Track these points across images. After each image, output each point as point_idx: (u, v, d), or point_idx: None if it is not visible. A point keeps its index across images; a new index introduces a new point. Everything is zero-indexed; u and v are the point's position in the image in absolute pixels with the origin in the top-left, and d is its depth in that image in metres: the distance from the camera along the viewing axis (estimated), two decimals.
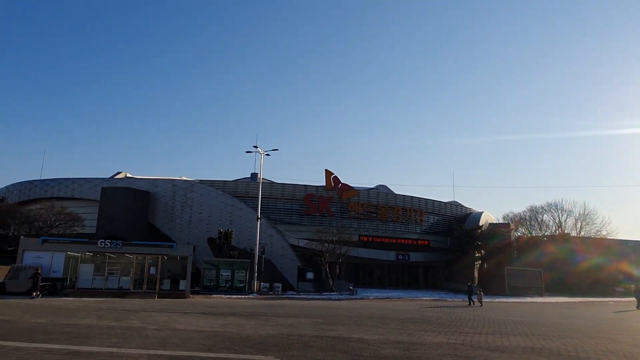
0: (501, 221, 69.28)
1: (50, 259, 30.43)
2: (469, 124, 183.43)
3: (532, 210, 68.76)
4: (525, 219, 68.84)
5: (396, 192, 63.64)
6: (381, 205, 59.07)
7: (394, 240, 58.10)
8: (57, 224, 45.05)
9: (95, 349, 9.52)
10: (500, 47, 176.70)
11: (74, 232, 46.47)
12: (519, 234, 67.16)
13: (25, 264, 29.61)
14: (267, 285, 40.26)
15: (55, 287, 28.50)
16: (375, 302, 34.25)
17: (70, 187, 56.05)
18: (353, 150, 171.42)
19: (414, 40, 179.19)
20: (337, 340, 11.87)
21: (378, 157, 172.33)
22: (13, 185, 62.54)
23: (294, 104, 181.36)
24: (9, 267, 29.47)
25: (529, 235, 66.43)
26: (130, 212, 49.35)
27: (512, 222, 67.32)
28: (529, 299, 42.72)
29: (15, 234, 43.70)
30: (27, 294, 26.46)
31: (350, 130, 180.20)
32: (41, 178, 60.19)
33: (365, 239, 55.90)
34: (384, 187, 66.88)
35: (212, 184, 54.97)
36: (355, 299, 37.53)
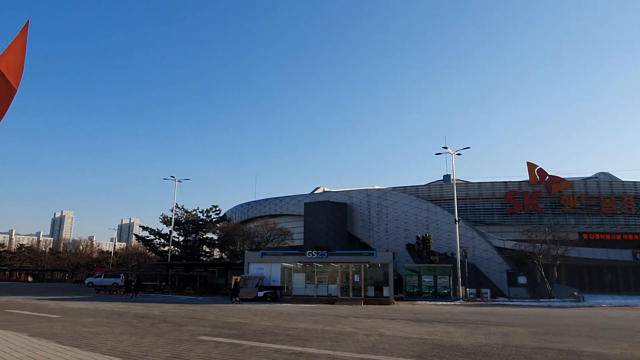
0: None
1: (269, 270, 35.08)
2: None
3: None
4: None
5: (623, 179, 53.51)
6: (605, 196, 50.53)
7: (629, 237, 48.71)
8: (271, 238, 51.77)
9: (314, 350, 10.42)
10: None
11: (286, 245, 52.67)
12: None
13: (251, 274, 34.81)
14: (474, 291, 38.24)
15: (275, 294, 32.62)
16: (609, 310, 29.13)
17: (279, 205, 63.91)
18: (558, 140, 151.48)
19: None
20: (565, 354, 10.38)
21: (593, 143, 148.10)
22: (235, 207, 74.70)
23: (480, 100, 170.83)
24: (239, 277, 35.02)
25: None
26: (331, 224, 53.41)
27: None
28: None
29: (241, 248, 51.84)
30: (254, 299, 31.03)
31: (553, 118, 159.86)
32: (255, 199, 70.37)
33: (587, 236, 48.31)
34: (606, 174, 57.09)
35: (404, 190, 55.59)
36: (583, 306, 32.57)
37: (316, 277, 34.36)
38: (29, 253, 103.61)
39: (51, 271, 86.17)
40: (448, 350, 10.83)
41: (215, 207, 62.86)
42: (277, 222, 57.91)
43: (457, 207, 42.86)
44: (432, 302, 33.90)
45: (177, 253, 59.61)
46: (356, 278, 33.68)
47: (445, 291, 37.16)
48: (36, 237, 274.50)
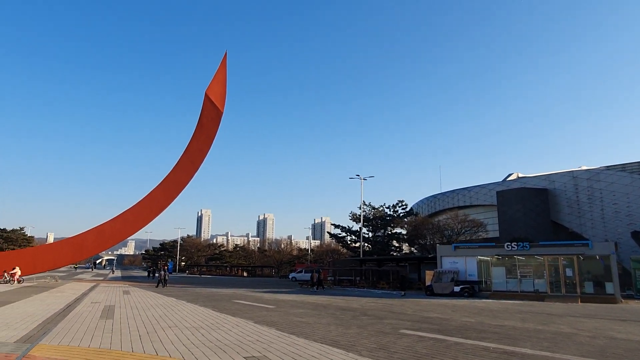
0: None
1: (464, 264, 33.83)
2: None
3: None
4: None
5: None
6: None
7: None
8: (463, 231, 49.85)
9: (528, 351, 9.64)
10: None
11: (479, 237, 50.05)
12: None
13: (445, 268, 34.13)
14: None
15: (473, 289, 31.26)
16: None
17: (467, 195, 61.13)
18: None
19: None
20: None
21: None
22: (421, 200, 74.19)
23: None
24: (433, 271, 34.64)
25: None
26: (529, 212, 48.78)
27: None
28: None
29: (431, 242, 51.25)
30: (450, 295, 30.34)
31: None
32: (442, 191, 68.73)
33: None
34: None
35: (623, 168, 47.39)
36: None
37: (518, 271, 31.77)
38: (242, 252, 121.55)
39: (261, 267, 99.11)
40: None
41: (402, 202, 63.67)
42: (468, 213, 55.51)
43: None
44: None
45: (367, 248, 62.26)
46: (568, 272, 29.99)
47: None
48: (246, 238, 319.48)
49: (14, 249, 79.22)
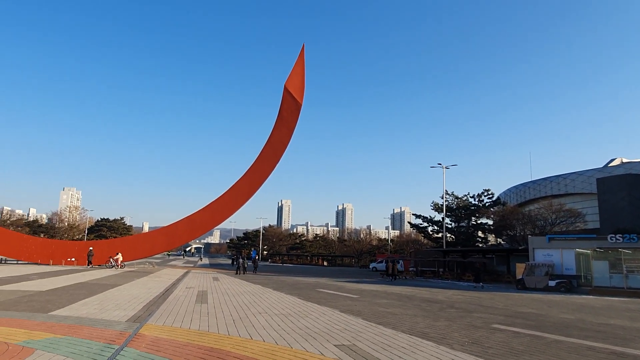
0: None
1: (559, 256, 31.70)
2: None
3: None
4: None
5: None
6: None
7: None
8: (558, 221, 46.64)
9: None
10: None
11: (576, 228, 46.57)
12: None
13: (537, 261, 32.20)
14: None
15: (570, 284, 29.22)
16: None
17: (562, 183, 57.05)
18: None
19: None
20: None
21: None
22: (509, 189, 70.45)
23: None
24: (524, 264, 32.85)
25: None
26: (636, 201, 44.44)
27: None
28: None
29: (521, 233, 48.54)
30: (545, 289, 28.58)
31: None
32: (532, 179, 64.71)
33: None
34: None
35: None
36: None
37: (624, 266, 29.11)
38: (322, 241, 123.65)
39: (341, 257, 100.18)
40: None
41: (487, 190, 60.88)
42: (564, 202, 51.81)
43: None
44: None
45: (450, 239, 60.49)
46: None
47: None
48: (325, 228, 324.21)
49: (116, 237, 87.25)
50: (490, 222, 57.52)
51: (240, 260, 40.18)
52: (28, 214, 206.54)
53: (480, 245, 61.25)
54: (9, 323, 9.61)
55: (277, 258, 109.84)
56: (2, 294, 15.75)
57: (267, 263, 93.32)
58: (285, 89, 40.61)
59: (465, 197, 62.68)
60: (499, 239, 63.30)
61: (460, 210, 61.06)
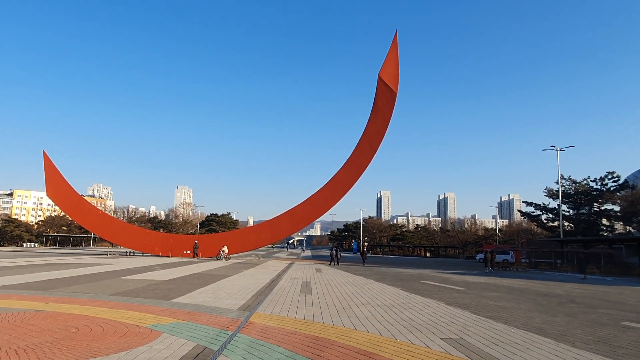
0: None
1: None
2: None
3: None
4: None
5: None
6: None
7: None
8: None
9: None
10: None
11: None
12: None
13: None
14: None
15: None
16: None
17: None
18: None
19: None
20: None
21: None
22: (639, 171, 62.97)
23: None
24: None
25: None
26: None
27: None
28: None
29: None
30: None
31: None
32: None
33: None
34: None
35: None
36: None
37: None
38: (424, 232, 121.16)
39: (444, 248, 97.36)
40: None
41: (612, 173, 55.04)
42: None
43: None
44: None
45: (569, 228, 55.79)
46: None
47: None
48: (427, 218, 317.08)
49: (224, 231, 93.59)
50: (617, 208, 51.96)
51: (333, 251, 41.92)
52: (149, 211, 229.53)
53: (605, 234, 55.62)
54: (139, 308, 10.82)
55: (378, 249, 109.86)
56: (132, 282, 17.75)
57: (369, 254, 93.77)
58: (380, 78, 40.20)
59: (584, 182, 57.31)
60: (628, 227, 56.91)
61: (579, 196, 56.00)
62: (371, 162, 42.16)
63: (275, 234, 46.44)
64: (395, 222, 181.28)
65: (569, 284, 24.45)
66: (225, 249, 42.60)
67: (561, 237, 49.58)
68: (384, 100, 40.76)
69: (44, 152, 47.86)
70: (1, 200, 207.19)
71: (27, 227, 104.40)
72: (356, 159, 42.19)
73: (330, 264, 39.81)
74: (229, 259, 42.42)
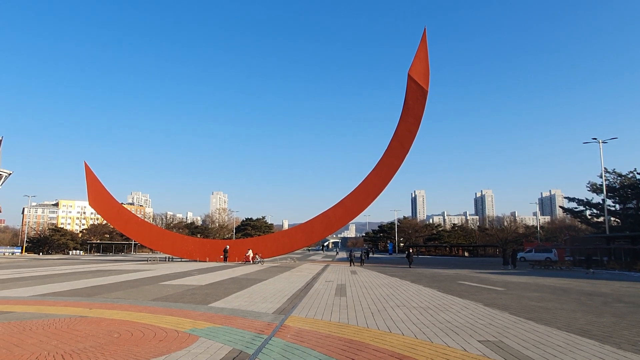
0: None
1: None
2: None
3: None
4: None
5: None
6: None
7: None
8: None
9: None
10: None
11: None
12: None
13: None
14: None
15: None
16: None
17: None
18: None
19: None
20: None
21: None
22: None
23: None
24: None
25: None
26: None
27: None
28: None
29: None
30: None
31: None
32: None
33: None
34: None
35: None
36: None
37: None
38: (461, 231, 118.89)
39: (483, 247, 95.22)
40: None
41: None
42: None
43: None
44: None
45: (615, 224, 53.60)
46: None
47: None
48: (463, 216, 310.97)
49: (259, 235, 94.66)
50: None
51: (353, 253, 43.99)
52: (186, 217, 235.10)
53: None
54: (177, 313, 11.12)
55: (414, 250, 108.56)
56: (171, 287, 18.23)
57: (403, 255, 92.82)
58: (410, 77, 39.74)
59: (631, 175, 54.95)
60: None
61: (626, 189, 53.72)
62: (404, 162, 41.81)
63: (310, 237, 46.65)
64: (431, 221, 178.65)
65: (616, 282, 23.50)
66: (250, 252, 43.18)
67: (607, 233, 47.67)
68: (415, 99, 40.31)
69: (85, 163, 49.86)
70: (48, 210, 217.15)
71: (72, 235, 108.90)
72: (388, 159, 41.91)
73: (350, 265, 40.78)
74: (262, 262, 42.94)
